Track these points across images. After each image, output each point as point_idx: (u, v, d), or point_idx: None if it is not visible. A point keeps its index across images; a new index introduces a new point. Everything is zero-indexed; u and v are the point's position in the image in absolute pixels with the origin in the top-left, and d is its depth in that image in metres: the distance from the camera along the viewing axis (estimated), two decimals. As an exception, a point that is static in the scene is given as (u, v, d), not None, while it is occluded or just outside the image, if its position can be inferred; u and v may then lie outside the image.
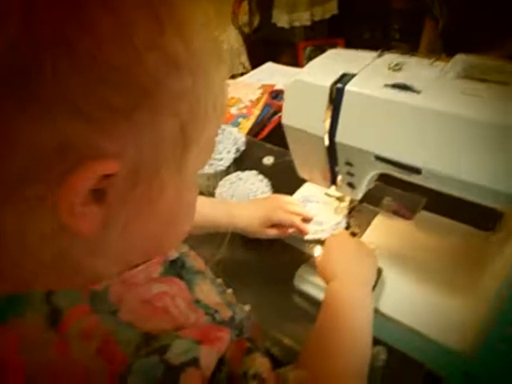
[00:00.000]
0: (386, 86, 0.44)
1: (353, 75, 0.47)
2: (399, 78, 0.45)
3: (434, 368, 0.52)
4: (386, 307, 0.54)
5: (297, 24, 2.41)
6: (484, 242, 0.58)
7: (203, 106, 0.25)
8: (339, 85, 0.46)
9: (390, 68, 0.47)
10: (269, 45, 2.53)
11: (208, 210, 0.61)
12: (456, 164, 0.40)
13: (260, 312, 0.59)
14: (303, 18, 2.37)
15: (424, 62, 0.49)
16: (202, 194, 0.78)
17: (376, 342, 0.55)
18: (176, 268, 0.38)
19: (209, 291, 0.41)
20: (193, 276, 0.40)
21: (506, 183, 0.37)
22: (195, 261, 0.45)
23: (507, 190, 0.38)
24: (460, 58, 0.48)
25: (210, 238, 0.66)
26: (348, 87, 0.46)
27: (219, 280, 0.49)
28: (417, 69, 0.47)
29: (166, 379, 0.26)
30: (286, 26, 2.41)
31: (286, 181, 0.76)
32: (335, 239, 0.57)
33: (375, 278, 0.52)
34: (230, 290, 0.52)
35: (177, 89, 0.22)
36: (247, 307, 0.56)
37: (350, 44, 2.40)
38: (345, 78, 0.47)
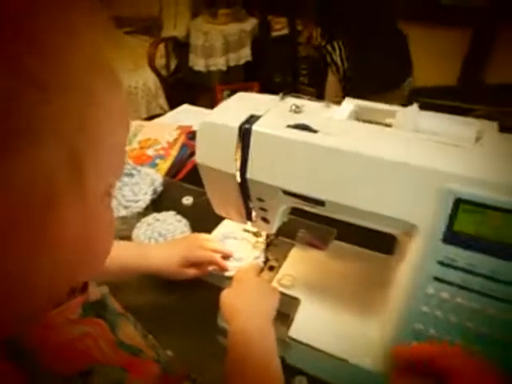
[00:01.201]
0: (288, 126, 0.48)
1: (259, 116, 0.51)
2: (299, 119, 0.49)
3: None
4: (306, 337, 0.55)
5: (213, 68, 2.51)
6: (386, 264, 0.64)
7: (92, 123, 0.23)
8: (247, 125, 0.49)
9: (291, 110, 0.51)
10: (187, 87, 2.59)
11: (120, 254, 0.58)
12: (353, 195, 0.44)
13: (184, 357, 0.57)
14: (219, 63, 2.49)
15: (321, 105, 0.54)
16: (117, 239, 0.75)
17: (297, 372, 0.56)
18: (97, 309, 0.36)
19: (132, 333, 0.39)
20: (115, 317, 0.38)
21: (395, 210, 0.42)
22: (115, 303, 0.43)
23: (396, 216, 0.43)
24: (351, 101, 0.54)
25: (125, 284, 0.63)
26: (255, 127, 0.49)
27: (139, 325, 0.47)
28: (315, 111, 0.52)
29: None
30: (203, 69, 2.50)
31: (205, 220, 0.76)
32: (239, 279, 0.58)
33: (274, 313, 0.53)
34: (150, 336, 0.50)
35: (48, 111, 0.20)
36: (169, 353, 0.53)
37: (264, 88, 2.57)
38: (252, 119, 0.51)
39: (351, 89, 1.64)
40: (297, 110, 0.51)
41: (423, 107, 0.50)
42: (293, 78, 2.50)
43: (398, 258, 0.53)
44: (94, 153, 0.24)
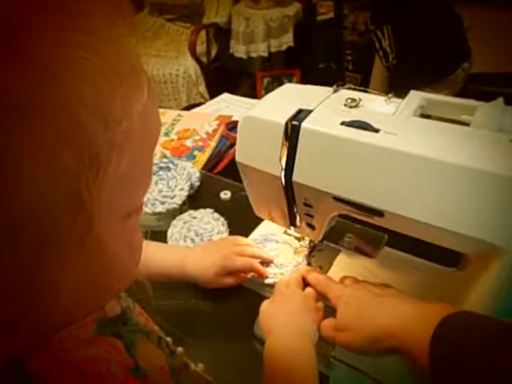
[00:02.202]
0: (343, 123, 0.42)
1: (309, 111, 0.45)
2: (356, 114, 0.43)
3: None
4: (351, 357, 0.50)
5: (254, 55, 2.44)
6: (448, 279, 0.56)
7: (103, 144, 0.19)
8: (295, 122, 0.44)
9: (346, 105, 0.45)
10: (227, 74, 2.55)
11: (157, 258, 0.55)
12: (420, 207, 0.38)
13: (218, 367, 0.53)
14: (260, 50, 2.42)
15: (379, 99, 0.47)
16: (152, 235, 0.72)
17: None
18: (115, 326, 0.33)
19: (152, 355, 0.35)
20: (134, 336, 0.34)
21: (472, 228, 0.35)
22: (140, 317, 0.39)
23: (473, 235, 0.36)
24: (414, 94, 0.47)
25: (155, 288, 0.59)
26: (304, 124, 0.43)
27: (168, 339, 0.43)
28: (373, 105, 0.46)
29: None
30: (244, 56, 2.44)
31: (244, 217, 0.71)
32: (281, 292, 0.53)
33: (316, 333, 0.49)
34: (180, 349, 0.46)
35: (44, 132, 0.17)
36: (200, 366, 0.50)
37: (306, 74, 2.48)
38: (301, 115, 0.45)
39: (399, 77, 1.53)
40: (353, 104, 0.44)
41: (479, 95, 0.44)
42: (338, 65, 2.38)
43: (467, 276, 0.45)
44: (104, 179, 0.20)
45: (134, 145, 0.21)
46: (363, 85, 0.49)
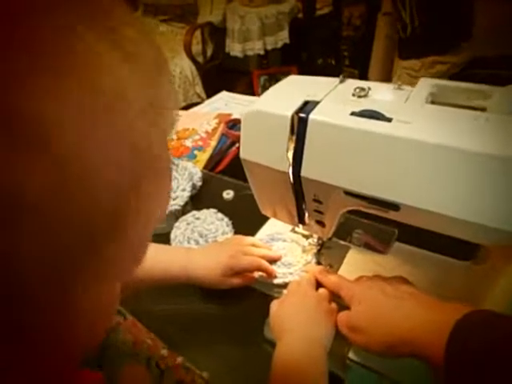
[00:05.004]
0: (354, 113, 0.40)
1: (316, 103, 0.43)
2: (366, 104, 0.41)
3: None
4: (367, 359, 0.48)
5: (250, 53, 2.42)
6: (463, 273, 0.54)
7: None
8: (302, 114, 0.42)
9: (354, 94, 0.43)
10: (223, 74, 2.53)
11: (160, 261, 0.53)
12: (438, 199, 0.36)
13: (225, 374, 0.51)
14: (256, 47, 2.39)
15: (388, 87, 0.45)
16: (155, 238, 0.69)
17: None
18: (98, 358, 0.31)
19: (138, 377, 0.33)
20: (118, 360, 0.32)
21: (497, 219, 0.33)
22: (129, 333, 0.37)
23: (498, 226, 0.34)
24: (425, 82, 0.45)
25: (155, 291, 0.57)
26: (312, 116, 0.41)
27: (164, 352, 0.41)
28: (382, 94, 0.44)
29: None
30: (240, 55, 2.42)
31: (248, 217, 0.70)
32: (293, 293, 0.52)
33: (331, 337, 0.47)
34: (179, 359, 0.44)
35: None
36: (205, 375, 0.48)
37: (303, 71, 2.46)
38: (307, 107, 0.43)
39: (424, 42, 1.54)
40: (362, 93, 0.42)
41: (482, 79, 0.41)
42: (336, 60, 2.36)
43: (486, 269, 0.43)
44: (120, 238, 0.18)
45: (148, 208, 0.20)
46: (360, 79, 0.47)
